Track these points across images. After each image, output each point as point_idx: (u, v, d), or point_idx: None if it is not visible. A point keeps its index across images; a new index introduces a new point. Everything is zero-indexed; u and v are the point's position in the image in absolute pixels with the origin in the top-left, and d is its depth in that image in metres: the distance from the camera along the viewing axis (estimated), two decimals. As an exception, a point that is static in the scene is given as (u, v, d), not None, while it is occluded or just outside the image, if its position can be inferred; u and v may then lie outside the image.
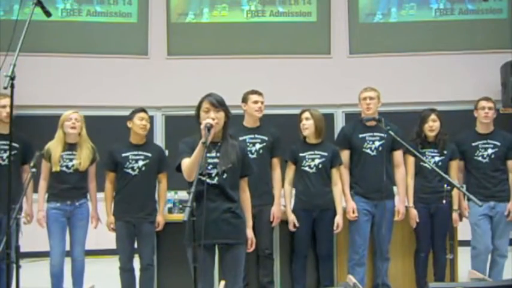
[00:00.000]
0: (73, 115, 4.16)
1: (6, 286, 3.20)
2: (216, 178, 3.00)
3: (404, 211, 4.23)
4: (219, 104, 3.00)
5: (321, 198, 4.14)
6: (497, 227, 4.29)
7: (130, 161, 4.07)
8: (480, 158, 4.32)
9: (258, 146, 4.20)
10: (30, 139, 4.30)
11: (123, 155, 4.08)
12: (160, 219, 4.15)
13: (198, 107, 3.04)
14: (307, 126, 4.16)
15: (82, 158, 4.15)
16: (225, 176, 3.01)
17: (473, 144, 4.35)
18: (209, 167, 2.98)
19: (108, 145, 4.24)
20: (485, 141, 4.33)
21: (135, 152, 4.10)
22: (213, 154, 3.01)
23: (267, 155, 4.22)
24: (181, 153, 2.99)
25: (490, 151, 4.31)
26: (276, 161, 4.26)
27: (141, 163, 4.08)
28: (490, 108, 4.33)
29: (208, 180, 2.95)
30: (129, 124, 4.13)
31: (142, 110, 4.17)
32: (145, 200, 4.09)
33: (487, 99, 4.38)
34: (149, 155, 4.11)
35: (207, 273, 3.09)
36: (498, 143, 4.32)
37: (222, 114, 3.00)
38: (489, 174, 4.29)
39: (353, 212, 4.17)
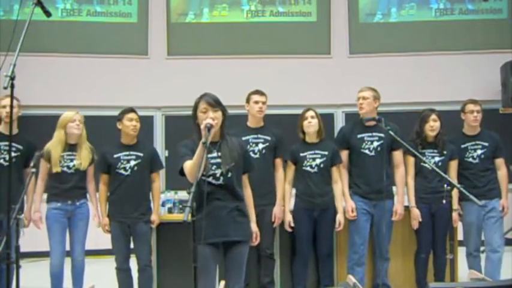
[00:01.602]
0: (76, 116, 4.18)
1: (6, 286, 3.20)
2: (222, 178, 3.02)
3: (402, 211, 4.23)
4: (216, 103, 3.01)
5: (323, 197, 4.15)
6: (488, 222, 4.32)
7: (122, 161, 4.07)
8: (470, 159, 4.37)
9: (260, 146, 4.20)
10: (34, 141, 4.29)
11: (115, 156, 4.09)
12: (154, 218, 4.15)
13: (195, 108, 3.05)
14: (313, 124, 4.17)
15: (82, 158, 4.16)
16: (229, 174, 3.03)
17: (463, 146, 4.39)
18: (213, 168, 3.00)
19: (106, 145, 4.23)
20: (473, 143, 4.40)
21: (127, 152, 4.10)
22: (214, 154, 3.01)
23: (269, 155, 4.22)
24: (183, 156, 2.99)
25: (479, 152, 4.37)
26: (278, 161, 4.26)
27: (132, 163, 4.08)
28: (478, 112, 4.38)
29: (213, 181, 2.99)
30: (119, 125, 4.13)
31: (131, 110, 4.16)
32: (139, 200, 4.09)
33: (474, 102, 4.42)
34: (141, 154, 4.11)
35: (211, 272, 3.09)
36: (486, 144, 4.38)
37: (219, 114, 3.01)
38: (479, 174, 4.35)
39: (352, 211, 4.16)
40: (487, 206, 4.30)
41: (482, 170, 4.35)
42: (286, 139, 4.34)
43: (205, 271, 2.95)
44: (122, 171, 4.06)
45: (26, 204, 4.21)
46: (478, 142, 4.39)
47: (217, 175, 3.01)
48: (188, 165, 2.91)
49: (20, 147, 4.19)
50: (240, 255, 3.10)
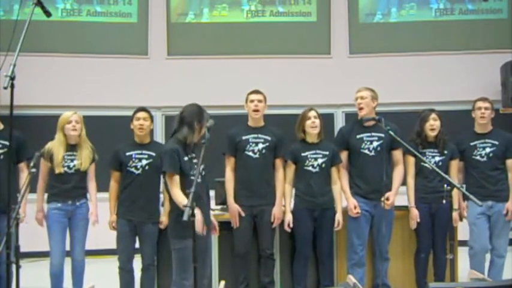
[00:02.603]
0: (73, 117, 4.16)
1: (6, 286, 3.20)
2: (200, 176, 3.28)
3: (393, 200, 4.17)
4: None
5: (323, 197, 4.15)
6: (495, 226, 4.29)
7: (133, 159, 4.06)
8: (478, 157, 4.32)
9: (260, 145, 4.20)
10: (24, 136, 4.26)
11: (127, 153, 4.09)
12: (164, 219, 4.14)
13: (203, 117, 3.45)
14: (317, 124, 4.17)
15: (83, 158, 4.15)
16: (203, 173, 3.46)
17: (472, 144, 4.36)
18: (195, 166, 3.40)
19: (108, 145, 4.24)
20: (483, 141, 4.35)
21: (139, 151, 4.10)
22: (193, 155, 3.49)
23: (269, 155, 4.22)
24: (175, 165, 3.37)
25: (488, 150, 4.32)
26: (279, 162, 4.25)
27: (144, 162, 4.07)
28: (486, 108, 4.34)
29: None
30: (131, 125, 4.15)
31: (141, 109, 4.16)
32: (149, 200, 4.09)
33: (483, 99, 4.39)
34: (153, 154, 4.09)
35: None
36: (496, 142, 4.32)
37: None
38: (487, 173, 4.29)
39: (355, 208, 4.15)
40: (493, 208, 4.27)
41: (491, 169, 4.29)
42: (287, 139, 4.33)
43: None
44: (133, 170, 4.06)
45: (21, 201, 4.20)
46: (487, 140, 4.34)
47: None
48: (178, 194, 3.31)
49: (7, 143, 4.15)
50: (210, 245, 3.69)
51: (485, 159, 4.31)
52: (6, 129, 4.21)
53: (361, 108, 4.25)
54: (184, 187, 3.30)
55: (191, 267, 3.05)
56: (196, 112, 3.45)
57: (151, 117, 4.21)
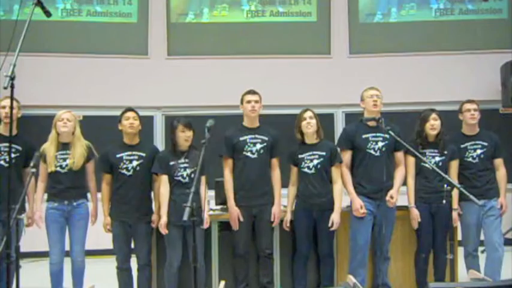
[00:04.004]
0: (65, 115, 4.17)
1: (6, 286, 3.20)
2: (187, 178, 4.00)
3: (396, 197, 4.17)
4: (190, 126, 4.06)
5: (321, 198, 4.15)
6: (488, 223, 4.32)
7: (124, 161, 4.08)
8: (470, 159, 4.38)
9: (258, 146, 4.20)
10: (33, 141, 4.30)
11: (117, 155, 4.10)
12: (155, 217, 4.15)
13: (175, 129, 4.04)
14: (313, 124, 4.17)
15: (76, 157, 4.13)
16: (192, 175, 3.93)
17: (462, 146, 4.40)
18: (181, 170, 4.01)
19: (108, 145, 4.24)
20: (473, 142, 4.41)
21: (129, 153, 4.11)
22: (183, 160, 4.04)
23: (266, 155, 4.23)
24: (160, 168, 4.06)
25: (479, 151, 4.38)
26: (275, 161, 4.27)
27: (135, 163, 4.09)
28: (475, 110, 4.40)
29: (182, 180, 4.02)
30: (120, 126, 4.16)
31: (128, 109, 4.18)
32: (141, 200, 4.11)
33: (470, 101, 4.46)
34: (143, 154, 4.12)
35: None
36: (486, 143, 4.39)
37: (191, 133, 4.05)
38: (478, 173, 4.35)
39: (361, 208, 4.12)
40: (486, 206, 4.30)
41: (482, 169, 4.36)
42: (286, 139, 4.34)
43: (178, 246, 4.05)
44: (125, 172, 4.07)
45: (27, 204, 4.21)
46: (477, 142, 4.40)
47: (185, 175, 4.02)
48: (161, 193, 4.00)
49: (19, 148, 4.20)
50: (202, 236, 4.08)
51: (476, 160, 4.38)
52: (20, 135, 4.25)
53: (376, 105, 4.25)
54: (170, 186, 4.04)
55: (176, 251, 4.01)
56: (171, 126, 4.12)
57: (140, 118, 4.21)
